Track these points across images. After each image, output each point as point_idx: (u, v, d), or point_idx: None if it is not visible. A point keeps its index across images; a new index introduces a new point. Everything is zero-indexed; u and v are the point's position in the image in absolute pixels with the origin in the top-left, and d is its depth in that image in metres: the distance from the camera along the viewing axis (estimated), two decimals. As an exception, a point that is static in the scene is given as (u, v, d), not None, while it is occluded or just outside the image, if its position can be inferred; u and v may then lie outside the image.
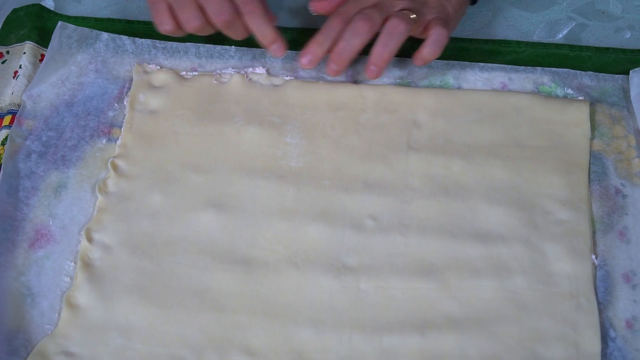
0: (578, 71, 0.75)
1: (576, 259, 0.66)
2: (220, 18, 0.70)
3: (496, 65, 0.76)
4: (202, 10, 0.71)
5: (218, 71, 0.76)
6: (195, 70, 0.76)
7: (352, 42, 0.70)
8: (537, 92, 0.75)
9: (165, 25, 0.71)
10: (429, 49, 0.71)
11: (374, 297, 0.65)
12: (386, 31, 0.70)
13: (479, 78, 0.76)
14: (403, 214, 0.68)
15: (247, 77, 0.75)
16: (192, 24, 0.71)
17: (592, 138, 0.72)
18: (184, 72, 0.76)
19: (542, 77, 0.76)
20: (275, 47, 0.72)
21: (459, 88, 0.75)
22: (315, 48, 0.71)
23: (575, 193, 0.69)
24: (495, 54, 0.77)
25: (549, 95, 0.74)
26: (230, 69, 0.76)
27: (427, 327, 0.63)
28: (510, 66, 0.76)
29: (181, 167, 0.70)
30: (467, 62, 0.76)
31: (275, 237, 0.67)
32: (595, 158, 0.71)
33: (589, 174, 0.70)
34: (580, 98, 0.74)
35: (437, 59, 0.73)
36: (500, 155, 0.71)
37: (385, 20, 0.70)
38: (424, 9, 0.72)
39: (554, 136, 0.72)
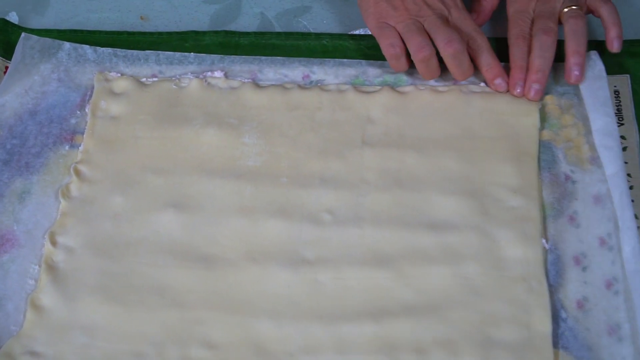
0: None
1: (527, 244, 0.67)
2: (449, 46, 0.72)
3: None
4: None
5: (177, 76, 0.78)
6: (156, 77, 0.78)
7: (546, 56, 0.74)
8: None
9: (395, 47, 0.74)
10: (614, 25, 0.75)
11: (331, 288, 0.66)
12: (572, 31, 0.74)
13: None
14: (359, 207, 0.70)
15: (205, 81, 0.77)
16: (423, 51, 0.73)
17: (542, 128, 0.74)
18: (144, 79, 0.78)
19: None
20: (499, 81, 0.74)
21: (412, 85, 0.77)
22: (523, 74, 0.74)
23: (526, 181, 0.71)
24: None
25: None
26: (190, 74, 0.78)
27: (383, 315, 0.65)
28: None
29: (142, 170, 0.72)
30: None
31: (234, 234, 0.69)
32: (545, 147, 0.73)
33: (539, 162, 0.72)
34: (529, 89, 0.76)
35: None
36: (453, 147, 0.73)
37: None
38: None
39: (504, 127, 0.73)
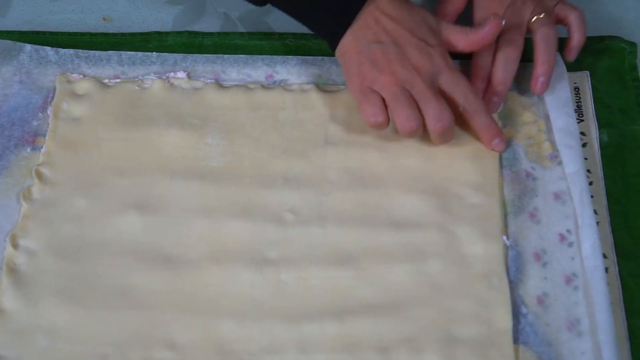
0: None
1: (488, 241, 0.68)
2: (439, 124, 0.68)
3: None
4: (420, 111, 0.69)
5: (140, 77, 0.78)
6: (118, 78, 0.78)
7: (509, 70, 0.73)
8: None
9: (378, 117, 0.69)
10: (579, 33, 0.75)
11: (294, 288, 0.66)
12: (542, 40, 0.73)
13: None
14: (321, 206, 0.70)
15: (168, 82, 0.77)
16: (409, 124, 0.68)
17: (503, 126, 0.75)
18: (106, 80, 0.78)
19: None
20: (497, 141, 0.71)
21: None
22: (483, 85, 0.74)
23: (487, 178, 0.71)
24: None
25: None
26: (153, 74, 0.78)
27: (345, 313, 0.65)
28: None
29: (104, 172, 0.72)
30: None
31: (197, 234, 0.69)
32: (506, 144, 0.74)
33: (500, 160, 0.73)
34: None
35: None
36: (414, 145, 0.73)
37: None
38: (546, 5, 0.75)
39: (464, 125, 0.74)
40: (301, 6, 0.72)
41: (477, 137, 0.72)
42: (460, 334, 0.64)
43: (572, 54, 0.76)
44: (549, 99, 0.75)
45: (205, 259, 0.67)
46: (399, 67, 0.68)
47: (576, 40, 0.75)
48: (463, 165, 0.72)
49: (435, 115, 0.68)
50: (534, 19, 0.74)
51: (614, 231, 0.69)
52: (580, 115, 0.75)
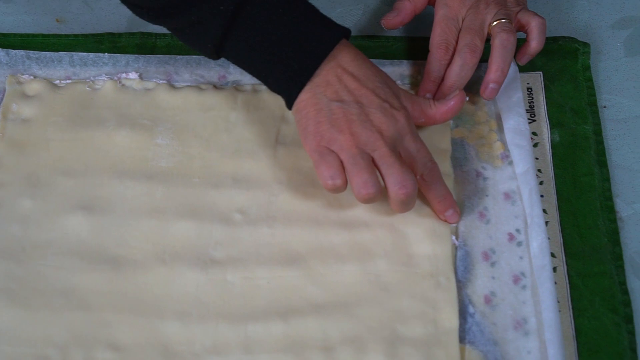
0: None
1: (436, 241, 0.68)
2: (402, 191, 0.64)
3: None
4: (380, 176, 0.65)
5: (92, 78, 0.77)
6: (70, 79, 0.78)
7: (464, 75, 0.72)
8: (402, 84, 0.77)
9: (336, 180, 0.64)
10: (537, 42, 0.74)
11: (240, 288, 0.66)
12: (501, 46, 0.72)
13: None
14: (270, 206, 0.70)
15: (119, 82, 0.77)
16: (367, 190, 0.63)
17: (455, 126, 0.74)
18: (57, 81, 0.77)
19: (409, 70, 0.78)
20: (451, 212, 0.68)
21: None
22: (433, 86, 0.73)
23: (437, 178, 0.71)
24: (364, 49, 0.79)
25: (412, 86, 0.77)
26: (104, 75, 0.78)
27: (291, 313, 0.64)
28: (377, 60, 0.78)
29: (52, 173, 0.71)
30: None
31: (144, 235, 0.68)
32: (457, 144, 0.74)
33: (451, 160, 0.72)
34: (442, 88, 0.76)
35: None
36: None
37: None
38: (508, 10, 0.74)
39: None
40: (257, 60, 0.66)
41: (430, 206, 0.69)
42: (406, 334, 0.64)
43: (525, 60, 0.76)
44: (501, 99, 0.75)
45: (151, 260, 0.67)
46: (361, 128, 0.64)
47: (533, 48, 0.75)
48: (413, 166, 0.72)
49: (398, 181, 0.64)
50: (494, 23, 0.73)
51: (563, 230, 0.69)
52: (533, 116, 0.75)
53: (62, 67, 0.78)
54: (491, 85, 0.73)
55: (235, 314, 0.65)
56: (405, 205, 0.66)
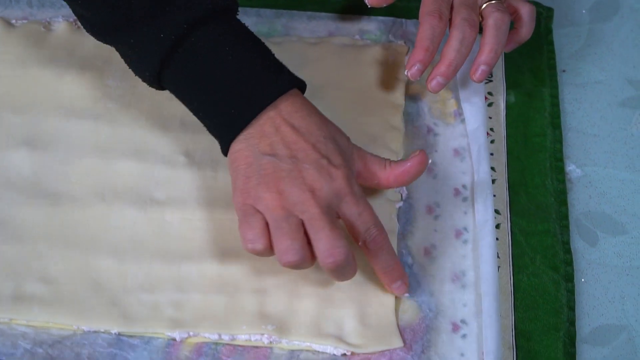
0: (403, 19, 0.77)
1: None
2: (330, 260, 0.57)
3: (324, 14, 0.78)
4: (307, 242, 0.58)
5: (48, 19, 0.77)
6: (26, 19, 0.77)
7: (463, 52, 0.67)
8: (362, 39, 0.76)
9: (256, 244, 0.58)
10: (527, 29, 0.71)
11: (178, 228, 0.65)
12: (494, 26, 0.67)
13: (306, 26, 0.77)
14: (216, 150, 0.68)
15: (75, 24, 0.76)
16: (287, 258, 0.57)
17: (410, 82, 0.73)
18: (14, 21, 0.77)
19: (369, 25, 0.77)
20: (398, 284, 0.61)
21: (286, 35, 0.76)
22: (425, 56, 0.66)
23: (388, 132, 0.70)
24: (324, 3, 0.79)
25: (373, 42, 0.76)
26: (61, 17, 0.77)
27: (226, 255, 0.64)
28: (337, 15, 0.77)
29: (-1, 107, 0.71)
30: (296, 12, 0.78)
31: (86, 172, 0.67)
32: (411, 100, 0.73)
33: (403, 115, 0.72)
34: (400, 43, 0.76)
35: (268, 8, 0.76)
36: (321, 96, 0.71)
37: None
38: None
39: (372, 79, 0.73)
40: (194, 98, 0.62)
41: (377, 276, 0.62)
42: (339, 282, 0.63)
43: (511, 47, 0.72)
44: None
45: (90, 196, 0.66)
46: (290, 186, 0.57)
47: (522, 35, 0.71)
48: (366, 119, 0.71)
49: (326, 248, 0.56)
50: (486, 4, 0.69)
51: (510, 188, 0.68)
52: (490, 76, 0.74)
53: (20, 7, 0.78)
54: (482, 67, 0.67)
55: (170, 253, 0.64)
56: (338, 274, 0.59)
